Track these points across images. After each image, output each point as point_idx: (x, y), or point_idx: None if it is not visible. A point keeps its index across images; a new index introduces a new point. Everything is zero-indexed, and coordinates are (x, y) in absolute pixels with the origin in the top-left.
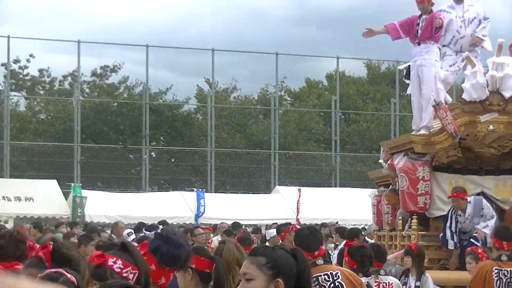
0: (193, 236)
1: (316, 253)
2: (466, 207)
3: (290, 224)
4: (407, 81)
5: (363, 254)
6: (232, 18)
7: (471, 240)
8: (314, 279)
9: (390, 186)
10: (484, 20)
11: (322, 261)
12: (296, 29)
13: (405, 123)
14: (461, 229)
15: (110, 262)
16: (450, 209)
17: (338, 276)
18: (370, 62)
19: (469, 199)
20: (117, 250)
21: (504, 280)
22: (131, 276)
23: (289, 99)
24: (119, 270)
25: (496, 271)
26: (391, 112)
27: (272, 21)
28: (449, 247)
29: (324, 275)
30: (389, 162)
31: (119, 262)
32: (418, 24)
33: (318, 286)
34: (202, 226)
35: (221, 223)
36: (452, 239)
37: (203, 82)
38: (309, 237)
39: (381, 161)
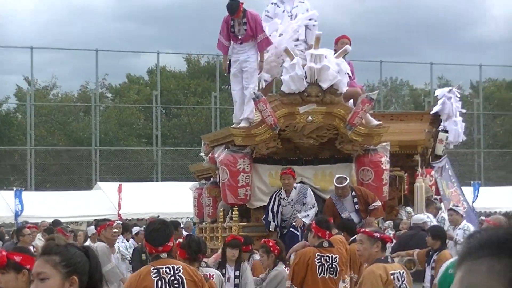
0: (20, 236)
1: (161, 248)
2: (291, 191)
3: (108, 220)
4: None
5: (190, 240)
6: (52, 15)
7: (291, 229)
8: (156, 270)
9: (211, 179)
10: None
11: (166, 255)
12: (118, 26)
13: (226, 116)
14: (282, 213)
15: None
16: (274, 192)
17: (180, 270)
18: (190, 57)
19: (295, 185)
20: None
21: (326, 266)
22: None
23: (110, 95)
24: None
25: (319, 257)
26: (212, 106)
27: (93, 17)
28: (271, 229)
29: (166, 267)
30: (210, 155)
31: None
32: (232, 26)
33: (158, 278)
34: (29, 225)
35: (42, 221)
36: (274, 221)
37: (22, 80)
38: (158, 232)
39: (202, 154)
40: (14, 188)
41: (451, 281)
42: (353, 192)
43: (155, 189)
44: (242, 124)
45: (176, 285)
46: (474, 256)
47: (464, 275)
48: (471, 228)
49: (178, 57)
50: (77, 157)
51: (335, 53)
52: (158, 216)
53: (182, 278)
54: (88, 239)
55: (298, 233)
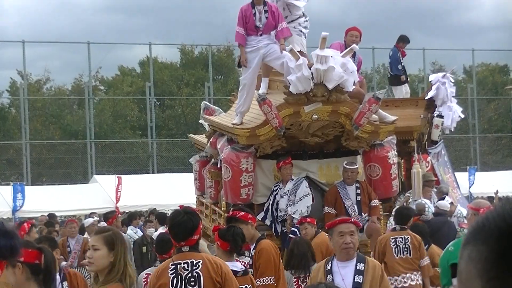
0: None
1: (183, 243)
2: (288, 181)
3: (113, 212)
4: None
5: (234, 233)
6: (42, 8)
7: (293, 229)
8: (174, 266)
9: (212, 160)
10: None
11: (189, 249)
12: (107, 18)
13: (220, 106)
14: (278, 203)
15: None
16: (275, 184)
17: (199, 265)
18: (184, 47)
19: (293, 177)
20: None
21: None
22: None
23: (103, 88)
24: None
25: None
26: (206, 96)
27: (82, 10)
28: (266, 222)
29: (184, 263)
30: (212, 140)
31: None
32: (254, 15)
33: (174, 274)
34: (27, 221)
35: (41, 215)
36: (267, 216)
37: (15, 74)
38: (180, 226)
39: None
40: (11, 183)
41: (449, 258)
42: (357, 184)
43: (151, 181)
44: (236, 120)
45: (192, 283)
46: (465, 243)
47: (459, 261)
48: (464, 212)
49: (169, 47)
50: (72, 150)
51: (344, 43)
52: (155, 208)
53: (199, 275)
54: (85, 233)
55: (296, 230)
